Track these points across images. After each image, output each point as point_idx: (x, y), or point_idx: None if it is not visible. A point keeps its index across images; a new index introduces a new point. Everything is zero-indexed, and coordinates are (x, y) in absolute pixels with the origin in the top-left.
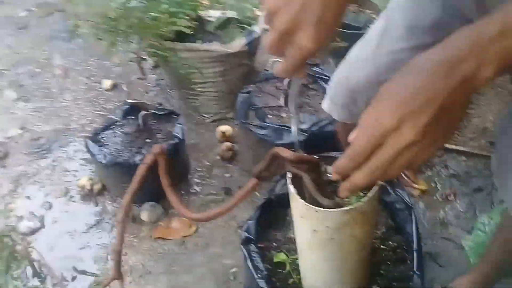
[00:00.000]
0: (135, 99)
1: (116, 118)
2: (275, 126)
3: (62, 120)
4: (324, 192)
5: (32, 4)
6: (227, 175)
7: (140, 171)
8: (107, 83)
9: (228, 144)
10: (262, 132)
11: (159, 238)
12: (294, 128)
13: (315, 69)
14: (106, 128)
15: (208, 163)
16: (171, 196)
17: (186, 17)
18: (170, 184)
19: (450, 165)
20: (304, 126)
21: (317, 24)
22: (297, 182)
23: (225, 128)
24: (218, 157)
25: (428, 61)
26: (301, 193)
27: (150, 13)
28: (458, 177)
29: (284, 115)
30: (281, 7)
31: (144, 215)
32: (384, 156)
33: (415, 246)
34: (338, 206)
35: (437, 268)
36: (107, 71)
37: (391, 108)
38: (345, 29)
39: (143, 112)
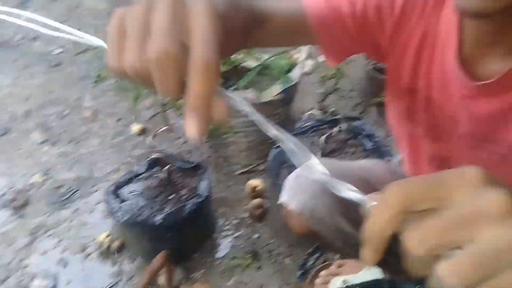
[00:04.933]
0: (161, 149)
1: (140, 171)
2: None
3: (86, 167)
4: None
5: (67, 41)
6: (255, 236)
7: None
8: (135, 128)
9: (258, 200)
10: None
11: None
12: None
13: (355, 124)
14: (128, 181)
15: (235, 221)
16: None
17: None
18: None
19: None
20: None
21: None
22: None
23: (255, 182)
24: (247, 214)
25: None
26: None
27: None
28: None
29: None
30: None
31: (162, 279)
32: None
33: None
34: None
35: None
36: (137, 114)
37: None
38: None
39: (167, 167)
